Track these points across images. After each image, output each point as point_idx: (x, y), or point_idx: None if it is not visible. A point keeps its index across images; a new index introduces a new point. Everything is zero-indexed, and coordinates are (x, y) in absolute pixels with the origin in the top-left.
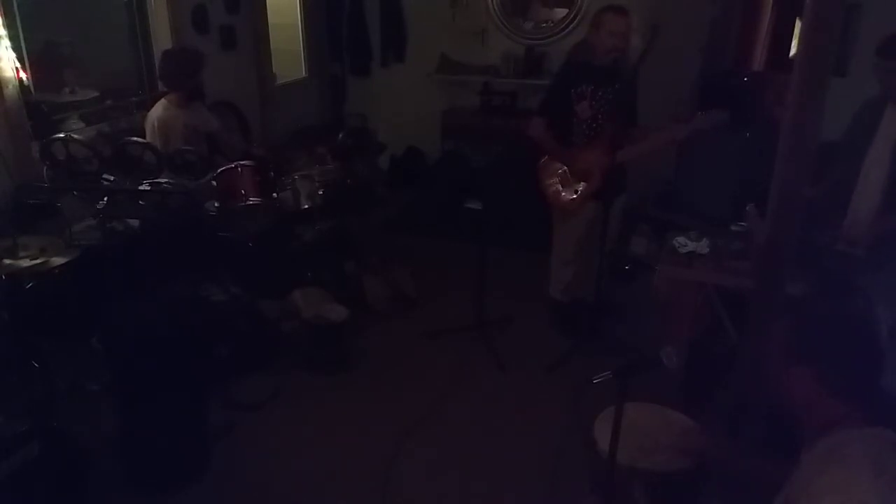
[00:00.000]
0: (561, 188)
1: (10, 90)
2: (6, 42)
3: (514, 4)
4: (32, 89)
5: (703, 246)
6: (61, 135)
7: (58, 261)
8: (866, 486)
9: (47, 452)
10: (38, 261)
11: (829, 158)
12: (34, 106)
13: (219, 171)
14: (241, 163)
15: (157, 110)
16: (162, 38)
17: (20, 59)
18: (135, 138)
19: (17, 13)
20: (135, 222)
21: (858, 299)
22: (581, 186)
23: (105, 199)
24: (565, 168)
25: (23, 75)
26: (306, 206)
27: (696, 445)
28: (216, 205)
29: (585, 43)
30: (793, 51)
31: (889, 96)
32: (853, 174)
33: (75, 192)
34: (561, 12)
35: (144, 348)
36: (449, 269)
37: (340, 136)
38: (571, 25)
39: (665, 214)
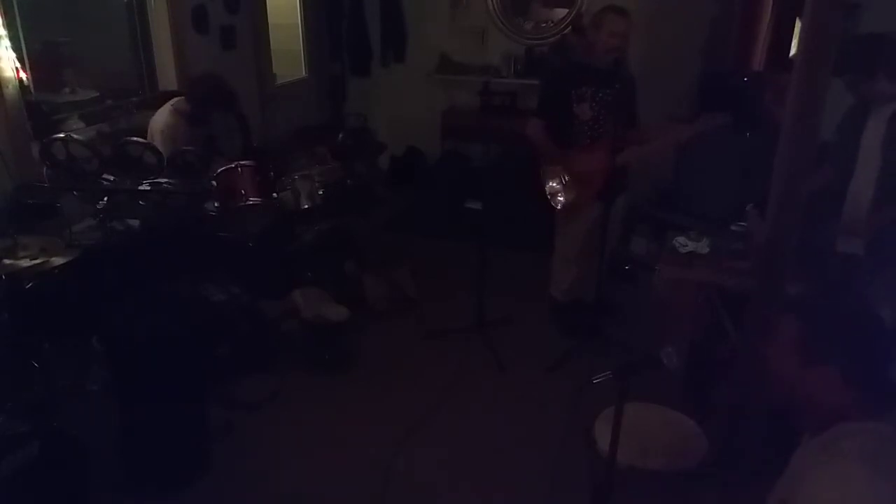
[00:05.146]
0: (563, 190)
1: (10, 90)
2: (6, 42)
3: (514, 4)
4: (32, 89)
5: (703, 246)
6: (61, 135)
7: (58, 261)
8: (863, 482)
9: (47, 452)
10: (38, 261)
11: (821, 159)
12: (34, 106)
13: (219, 171)
14: (241, 163)
15: (164, 116)
16: (162, 38)
17: (20, 59)
18: (135, 138)
19: (17, 13)
20: (135, 222)
21: (855, 297)
22: (583, 188)
23: (105, 199)
24: (567, 170)
25: (23, 75)
26: (306, 206)
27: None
28: (216, 205)
29: (572, 41)
30: (793, 51)
31: (867, 103)
32: (845, 173)
33: (75, 192)
34: (561, 12)
35: (144, 348)
36: (449, 269)
37: (340, 136)
38: (571, 25)
39: (665, 214)
